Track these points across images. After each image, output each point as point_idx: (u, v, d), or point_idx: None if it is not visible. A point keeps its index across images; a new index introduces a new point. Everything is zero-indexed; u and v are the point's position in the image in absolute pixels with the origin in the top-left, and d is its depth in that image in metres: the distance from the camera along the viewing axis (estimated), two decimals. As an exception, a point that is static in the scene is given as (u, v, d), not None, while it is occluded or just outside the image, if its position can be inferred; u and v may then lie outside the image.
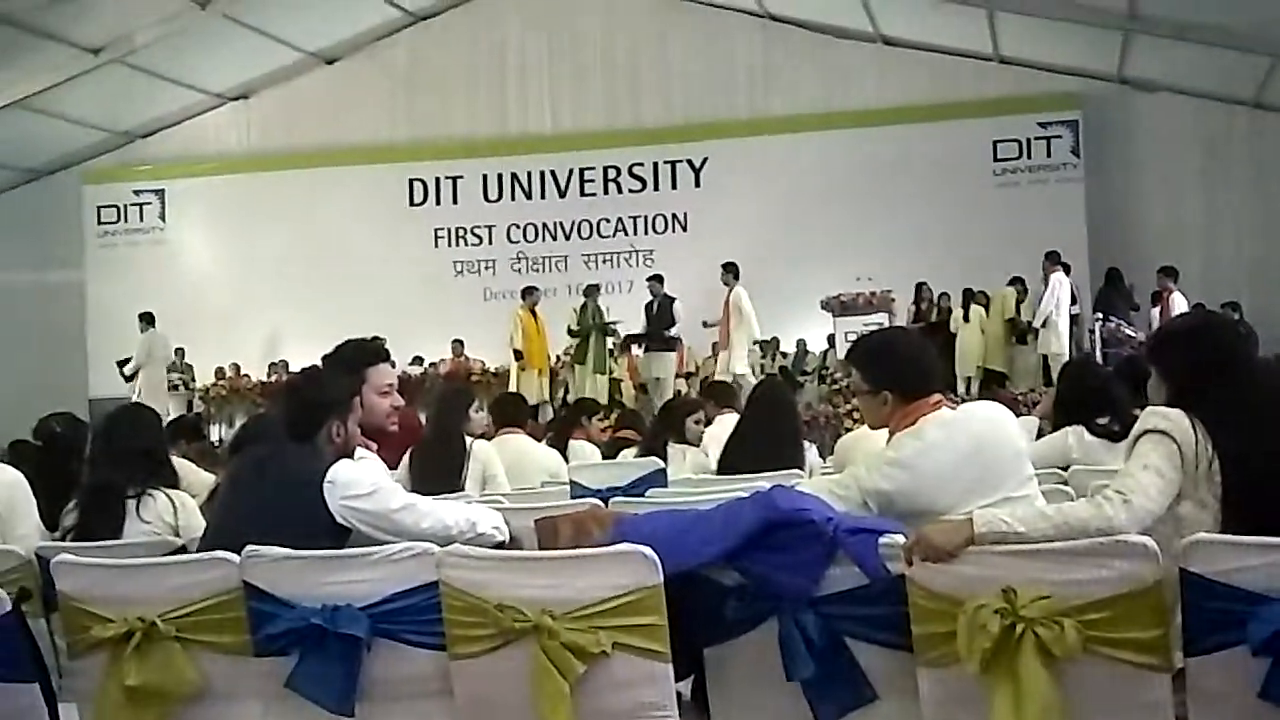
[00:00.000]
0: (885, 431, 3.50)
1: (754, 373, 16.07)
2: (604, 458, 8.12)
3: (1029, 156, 18.40)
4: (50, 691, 3.41)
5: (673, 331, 15.57)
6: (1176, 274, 15.24)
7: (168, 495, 4.36)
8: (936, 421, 3.35)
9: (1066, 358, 14.19)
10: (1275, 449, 3.05)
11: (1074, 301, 15.75)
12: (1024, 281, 16.44)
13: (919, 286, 17.01)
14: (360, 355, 3.99)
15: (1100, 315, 15.41)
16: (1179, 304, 14.51)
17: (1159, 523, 2.92)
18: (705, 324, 15.95)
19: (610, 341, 16.36)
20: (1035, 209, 17.89)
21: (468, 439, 6.62)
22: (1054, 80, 18.34)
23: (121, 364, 17.88)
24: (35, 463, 4.95)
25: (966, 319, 16.62)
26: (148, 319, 17.86)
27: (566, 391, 16.17)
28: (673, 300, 15.49)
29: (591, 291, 16.46)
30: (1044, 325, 15.27)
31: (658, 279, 15.72)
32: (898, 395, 3.44)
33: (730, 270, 15.30)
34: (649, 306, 15.62)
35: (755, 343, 16.31)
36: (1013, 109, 18.37)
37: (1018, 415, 3.79)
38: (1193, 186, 17.95)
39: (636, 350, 16.36)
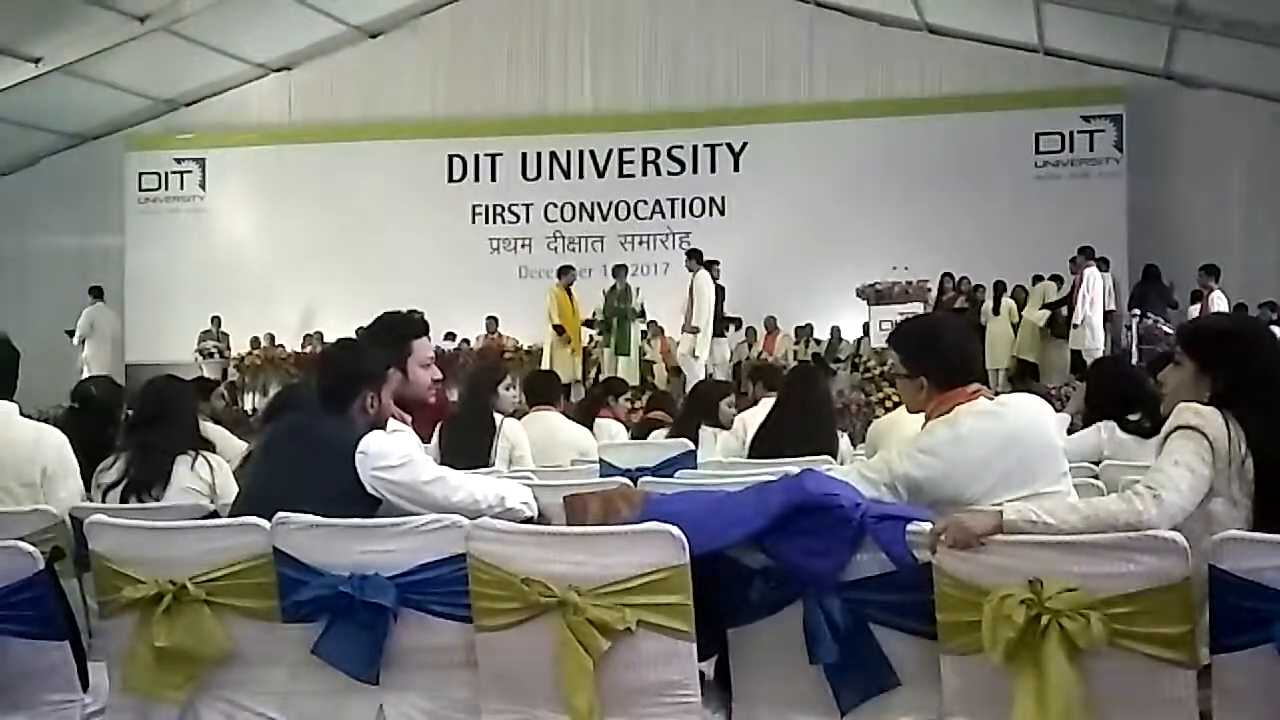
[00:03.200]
0: (920, 417, 3.50)
1: (792, 358, 16.08)
2: (633, 438, 8.12)
3: (1071, 150, 18.25)
4: (80, 650, 3.44)
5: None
6: (1218, 273, 15.04)
7: (206, 459, 4.48)
8: (972, 412, 3.35)
9: (1101, 354, 14.09)
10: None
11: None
12: (1060, 278, 16.33)
13: (943, 277, 16.90)
14: (407, 327, 4.06)
15: (1137, 312, 15.29)
16: (1219, 303, 14.35)
17: (1189, 519, 2.90)
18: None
19: (642, 324, 16.34)
20: (1076, 203, 17.73)
21: (498, 416, 6.64)
22: (1099, 74, 18.20)
23: (70, 333, 18.28)
24: (70, 424, 4.99)
25: (996, 312, 16.54)
26: (96, 293, 18.47)
27: (599, 372, 16.17)
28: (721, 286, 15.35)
29: (619, 272, 16.34)
30: (1080, 322, 15.16)
31: (705, 263, 15.49)
32: (935, 382, 3.45)
33: (694, 257, 15.17)
34: None
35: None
36: (1056, 102, 18.20)
37: (1050, 410, 3.76)
38: (1236, 185, 17.72)
39: (671, 333, 16.30)
